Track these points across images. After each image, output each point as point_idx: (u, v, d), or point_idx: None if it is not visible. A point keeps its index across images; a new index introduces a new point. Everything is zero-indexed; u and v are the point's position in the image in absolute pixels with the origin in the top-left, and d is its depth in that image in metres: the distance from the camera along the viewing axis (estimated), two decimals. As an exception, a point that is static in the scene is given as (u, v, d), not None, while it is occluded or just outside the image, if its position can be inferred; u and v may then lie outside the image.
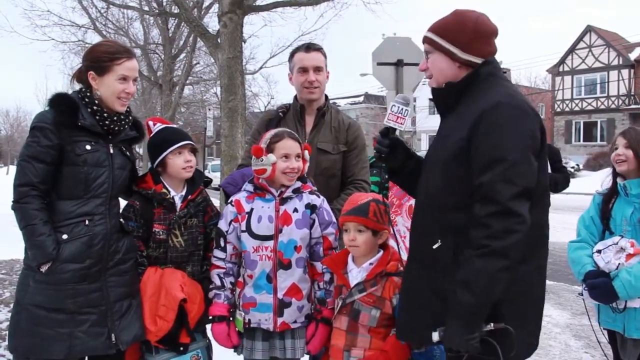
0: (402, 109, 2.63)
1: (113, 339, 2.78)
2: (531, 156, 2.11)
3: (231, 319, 2.97)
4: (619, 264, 3.10)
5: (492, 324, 2.11)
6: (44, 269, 2.65)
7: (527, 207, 2.07)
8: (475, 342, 2.07)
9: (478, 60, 2.34)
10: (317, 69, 3.51)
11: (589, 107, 37.94)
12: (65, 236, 2.69)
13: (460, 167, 2.20)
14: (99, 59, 2.82)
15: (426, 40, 2.44)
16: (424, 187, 2.44)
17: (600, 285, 3.14)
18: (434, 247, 2.25)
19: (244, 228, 2.92)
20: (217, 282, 2.98)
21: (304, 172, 3.00)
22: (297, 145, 2.94)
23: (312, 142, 3.44)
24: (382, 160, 2.68)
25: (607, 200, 3.37)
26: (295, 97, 3.64)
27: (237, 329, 2.95)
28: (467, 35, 2.33)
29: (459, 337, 2.08)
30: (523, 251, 2.10)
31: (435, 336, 2.20)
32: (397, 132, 2.68)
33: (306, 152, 2.99)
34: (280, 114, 3.60)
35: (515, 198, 2.04)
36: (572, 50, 38.58)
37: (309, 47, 3.57)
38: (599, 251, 3.23)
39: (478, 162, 2.13)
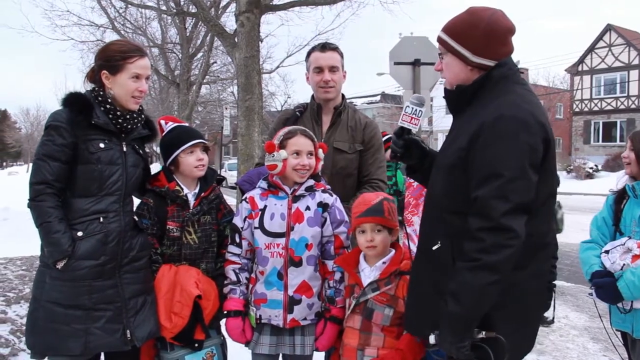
0: (416, 110, 2.63)
1: (128, 335, 2.79)
2: (529, 170, 2.08)
3: (245, 314, 2.98)
4: (624, 264, 3.10)
5: (483, 332, 2.13)
6: (59, 265, 2.68)
7: (522, 221, 2.06)
8: (465, 349, 2.10)
9: (491, 63, 2.29)
10: (333, 69, 3.51)
11: (609, 107, 37.54)
12: (80, 233, 2.72)
13: (460, 175, 2.20)
14: (111, 58, 2.84)
15: (439, 40, 2.40)
16: (430, 188, 2.46)
17: (605, 285, 3.15)
18: (434, 248, 2.27)
19: (256, 225, 2.94)
20: (233, 277, 3.00)
21: (317, 170, 3.01)
22: (309, 143, 2.95)
23: (329, 141, 3.45)
24: (398, 160, 2.69)
25: (619, 201, 3.37)
26: (313, 96, 3.65)
27: (251, 324, 2.97)
28: (479, 38, 2.27)
29: (450, 344, 2.12)
30: (516, 261, 2.09)
31: (432, 339, 2.23)
32: (413, 132, 2.67)
33: (320, 150, 3.00)
34: (297, 113, 3.62)
35: (509, 214, 2.02)
36: (591, 49, 38.19)
37: (325, 47, 3.56)
38: (607, 251, 3.24)
39: (475, 175, 2.12)
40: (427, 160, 2.67)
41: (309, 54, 3.63)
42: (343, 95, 3.64)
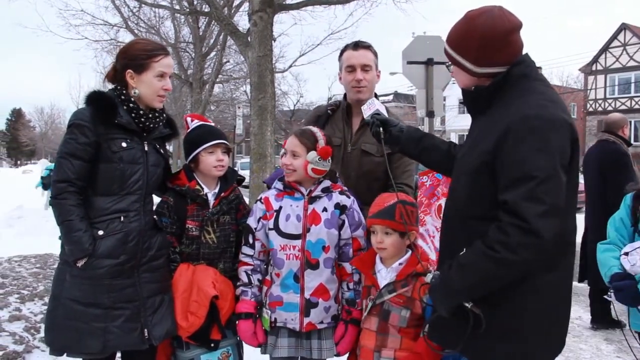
0: (368, 105, 2.93)
1: (146, 334, 2.81)
2: (560, 171, 2.01)
3: (257, 316, 2.97)
4: None
5: (471, 303, 2.16)
6: (80, 264, 2.70)
7: (554, 226, 1.98)
8: (449, 310, 2.19)
9: (499, 70, 2.22)
10: (365, 67, 3.39)
11: (623, 107, 37.14)
12: (101, 232, 2.73)
13: (486, 179, 2.14)
14: (137, 57, 2.85)
15: (444, 50, 2.36)
16: (452, 194, 2.40)
17: (625, 288, 3.13)
18: (461, 254, 2.18)
19: (271, 226, 2.91)
20: (245, 279, 2.98)
21: (308, 173, 2.89)
22: (295, 143, 2.90)
23: (358, 143, 3.39)
24: (400, 152, 2.85)
25: (637, 198, 3.32)
26: (345, 95, 3.57)
27: (263, 327, 2.95)
28: (475, 49, 2.21)
29: (439, 302, 2.22)
30: (548, 263, 2.08)
31: (429, 278, 2.34)
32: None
33: (312, 153, 2.87)
34: (329, 111, 3.54)
35: (543, 216, 1.95)
36: (605, 48, 37.87)
37: (357, 45, 3.44)
38: (627, 253, 3.20)
39: (504, 178, 2.05)
40: (422, 144, 2.72)
41: (341, 52, 3.52)
42: (376, 95, 3.48)
